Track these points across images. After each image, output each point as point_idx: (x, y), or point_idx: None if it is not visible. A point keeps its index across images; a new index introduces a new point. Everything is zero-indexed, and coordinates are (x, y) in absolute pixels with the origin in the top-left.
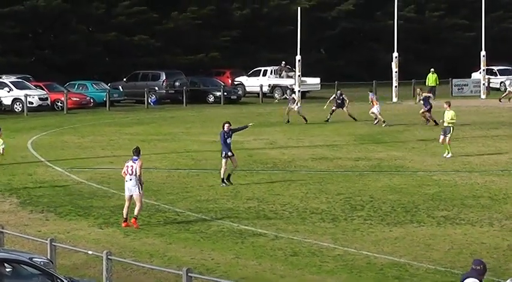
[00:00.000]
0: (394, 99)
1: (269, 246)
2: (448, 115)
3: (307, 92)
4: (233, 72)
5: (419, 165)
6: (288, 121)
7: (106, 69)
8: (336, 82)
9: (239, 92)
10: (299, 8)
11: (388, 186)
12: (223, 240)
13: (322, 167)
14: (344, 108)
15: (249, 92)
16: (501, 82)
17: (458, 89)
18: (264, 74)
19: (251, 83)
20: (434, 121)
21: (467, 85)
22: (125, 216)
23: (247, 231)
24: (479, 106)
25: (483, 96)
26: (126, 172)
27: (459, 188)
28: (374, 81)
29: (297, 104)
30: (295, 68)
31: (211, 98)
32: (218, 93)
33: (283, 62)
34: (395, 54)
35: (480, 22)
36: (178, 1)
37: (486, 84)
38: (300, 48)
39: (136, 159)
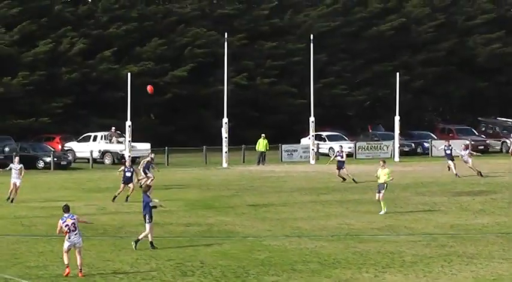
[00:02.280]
0: (225, 165)
1: None
2: (383, 172)
3: (138, 157)
4: (63, 137)
5: (249, 230)
6: None
7: None
8: (166, 148)
9: (69, 158)
10: (129, 73)
11: (218, 252)
12: None
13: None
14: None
15: (80, 158)
16: (330, 148)
17: (288, 154)
18: (94, 140)
19: (81, 149)
20: (140, 186)
21: (296, 150)
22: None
23: None
24: (309, 172)
25: (312, 161)
26: (68, 231)
27: (289, 253)
28: (204, 147)
29: None
30: (125, 133)
31: (41, 164)
32: (48, 159)
33: (113, 128)
34: (225, 120)
35: (309, 89)
36: (10, 65)
37: (315, 150)
38: (131, 114)
39: (72, 215)
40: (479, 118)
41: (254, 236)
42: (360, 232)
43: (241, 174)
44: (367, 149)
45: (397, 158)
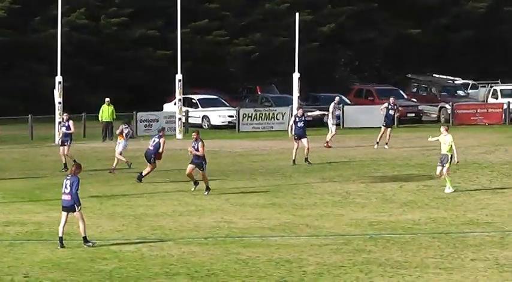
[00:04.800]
0: (59, 141)
1: None
2: (447, 140)
3: None
4: None
5: (92, 231)
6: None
7: None
8: None
9: None
10: None
11: (49, 261)
12: None
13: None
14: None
15: None
16: (204, 116)
17: (146, 126)
18: None
19: None
20: None
21: (157, 120)
22: None
23: None
24: (175, 149)
25: (179, 135)
26: None
27: (147, 263)
28: (30, 116)
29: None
30: None
31: None
32: None
33: None
34: (58, 78)
35: (176, 34)
36: None
37: (183, 119)
38: None
39: None
40: (409, 75)
41: (99, 238)
42: (244, 233)
43: (81, 154)
44: (255, 118)
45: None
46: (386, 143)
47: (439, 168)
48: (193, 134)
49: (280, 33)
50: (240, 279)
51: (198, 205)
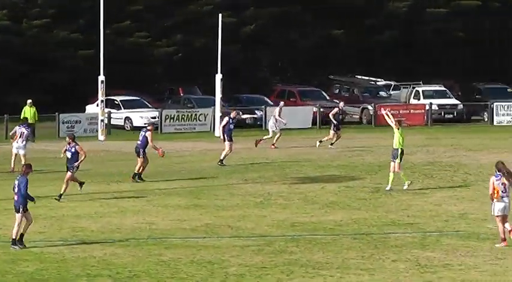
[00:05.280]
0: None
1: None
2: (397, 134)
3: None
4: None
5: (9, 231)
6: None
7: None
8: None
9: None
10: None
11: None
12: None
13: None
14: None
15: None
16: (126, 117)
17: (68, 127)
18: None
19: None
20: None
21: (80, 122)
22: None
23: None
24: (97, 151)
25: (101, 136)
26: None
27: (68, 264)
28: None
29: None
30: None
31: None
32: None
33: None
34: None
35: (98, 36)
36: None
37: (106, 121)
38: None
39: None
40: (331, 76)
41: None
42: (166, 234)
43: (3, 155)
44: (178, 119)
45: (218, 132)
46: (332, 144)
47: (392, 164)
48: (68, 138)
49: (202, 34)
50: (161, 280)
51: (120, 206)
